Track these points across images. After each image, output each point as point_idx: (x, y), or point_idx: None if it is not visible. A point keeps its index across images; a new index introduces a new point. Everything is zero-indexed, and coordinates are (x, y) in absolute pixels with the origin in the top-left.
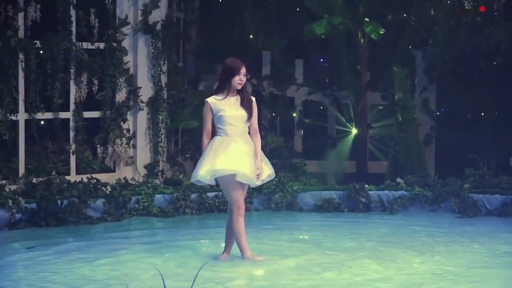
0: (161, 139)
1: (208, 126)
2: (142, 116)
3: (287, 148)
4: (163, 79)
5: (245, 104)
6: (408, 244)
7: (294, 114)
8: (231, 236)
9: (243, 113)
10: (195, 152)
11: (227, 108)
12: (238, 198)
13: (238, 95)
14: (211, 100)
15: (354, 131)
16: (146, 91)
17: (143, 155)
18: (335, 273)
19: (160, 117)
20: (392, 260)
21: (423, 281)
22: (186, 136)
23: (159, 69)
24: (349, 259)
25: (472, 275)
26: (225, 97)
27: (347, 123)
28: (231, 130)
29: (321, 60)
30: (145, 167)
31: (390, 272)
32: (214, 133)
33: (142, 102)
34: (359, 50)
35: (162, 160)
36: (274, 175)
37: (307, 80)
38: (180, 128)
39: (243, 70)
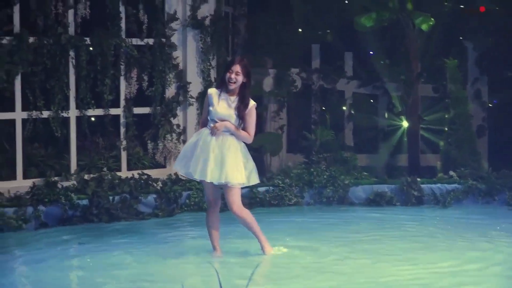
0: None
1: (204, 115)
2: (192, 112)
3: (337, 142)
4: (212, 74)
5: (239, 107)
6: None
7: (344, 107)
8: (255, 232)
9: (232, 114)
10: (246, 146)
11: (220, 104)
12: (208, 193)
13: (237, 96)
14: (211, 91)
15: (405, 124)
16: (195, 86)
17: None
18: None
19: None
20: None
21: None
22: None
23: (208, 64)
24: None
25: None
26: (223, 92)
27: (398, 116)
28: None
29: (371, 52)
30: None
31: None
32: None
33: (191, 97)
34: (409, 42)
35: None
36: (250, 183)
37: (357, 73)
38: None
39: (235, 68)
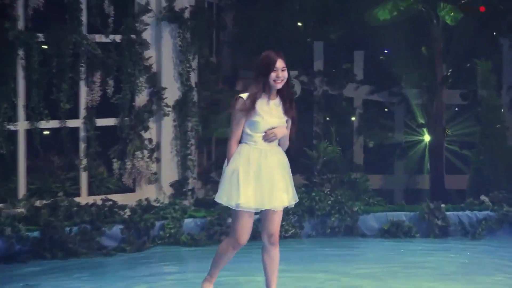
0: (191, 151)
1: (239, 131)
2: (168, 123)
3: (345, 160)
4: (193, 77)
5: (289, 111)
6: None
7: (353, 118)
8: (274, 271)
9: (283, 122)
10: None
11: (265, 113)
12: (244, 229)
13: (278, 97)
14: (245, 97)
15: (428, 137)
16: (172, 93)
17: (169, 171)
18: None
19: (190, 124)
20: None
21: None
22: (222, 147)
23: (187, 65)
24: None
25: None
26: (262, 98)
27: (418, 128)
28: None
29: (386, 51)
30: (172, 185)
31: None
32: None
33: (167, 106)
34: (432, 39)
35: (192, 176)
36: (292, 202)
37: (369, 76)
38: (214, 137)
39: (280, 64)
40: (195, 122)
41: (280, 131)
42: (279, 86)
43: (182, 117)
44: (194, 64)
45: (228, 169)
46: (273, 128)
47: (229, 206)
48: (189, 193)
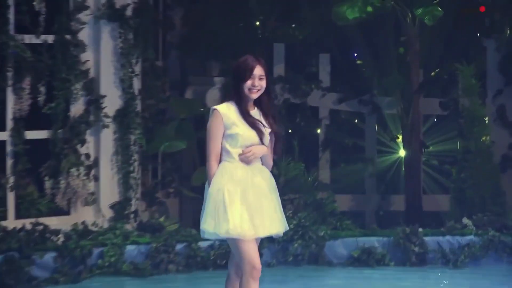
0: (134, 167)
1: (217, 146)
2: (107, 136)
3: (309, 178)
4: (136, 84)
5: (272, 125)
6: None
7: (319, 130)
8: None
9: (266, 133)
10: (182, 184)
11: (243, 124)
12: (251, 254)
13: (257, 108)
14: (222, 109)
15: (403, 152)
16: (112, 101)
17: (109, 191)
18: None
19: (132, 137)
20: None
21: None
22: (169, 163)
23: (130, 70)
24: None
25: None
26: (237, 108)
27: (392, 141)
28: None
29: (355, 54)
30: (112, 207)
31: None
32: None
33: (106, 116)
34: (407, 40)
35: (135, 197)
36: (283, 230)
37: (336, 82)
38: (161, 152)
39: (258, 71)
40: (139, 135)
41: (260, 150)
42: (254, 96)
43: (123, 129)
44: (138, 68)
45: (212, 189)
46: (252, 145)
47: (218, 234)
48: (132, 216)
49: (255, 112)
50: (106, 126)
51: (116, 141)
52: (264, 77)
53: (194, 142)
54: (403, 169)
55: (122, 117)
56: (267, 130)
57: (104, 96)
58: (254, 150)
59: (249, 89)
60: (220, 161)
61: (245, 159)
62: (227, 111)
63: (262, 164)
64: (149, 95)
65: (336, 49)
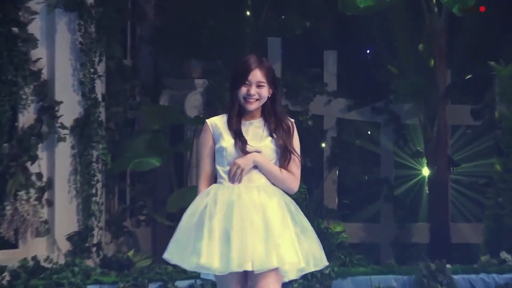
0: (97, 190)
1: (206, 165)
2: (64, 152)
3: (312, 203)
4: (100, 87)
5: (280, 133)
6: None
7: (323, 144)
8: None
9: (268, 145)
10: (156, 211)
11: (229, 136)
12: None
13: (262, 118)
14: (212, 120)
15: (426, 171)
16: (70, 109)
17: (66, 219)
18: None
19: (95, 153)
20: None
21: None
22: (140, 185)
23: (92, 70)
24: None
25: None
26: (235, 119)
27: (414, 158)
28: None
29: (368, 52)
30: (70, 238)
31: None
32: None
33: (63, 127)
34: (432, 35)
35: (98, 226)
36: (311, 268)
37: (345, 85)
38: (129, 171)
39: (255, 76)
40: (103, 150)
41: (247, 160)
42: (251, 107)
43: (84, 142)
44: (101, 68)
45: (186, 213)
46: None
47: (183, 267)
48: (94, 249)
49: (258, 122)
50: (63, 140)
51: (74, 157)
52: (264, 83)
53: (170, 158)
54: (427, 191)
55: (82, 128)
56: (266, 142)
57: (60, 103)
58: (239, 161)
59: (244, 98)
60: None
61: (233, 176)
62: (217, 122)
63: (273, 184)
64: (115, 101)
65: (344, 45)
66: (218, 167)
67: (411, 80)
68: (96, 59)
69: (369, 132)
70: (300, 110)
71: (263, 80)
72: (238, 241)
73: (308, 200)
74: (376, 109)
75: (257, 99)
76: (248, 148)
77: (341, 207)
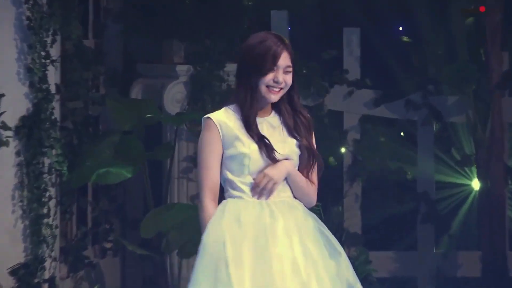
0: (49, 209)
1: (213, 175)
2: (7, 160)
3: (330, 225)
4: (53, 76)
5: (301, 132)
6: None
7: (343, 149)
8: None
9: (293, 149)
10: (126, 236)
11: (248, 139)
12: None
13: (276, 113)
14: (218, 118)
15: (477, 184)
16: (15, 104)
17: (8, 247)
18: None
19: (46, 161)
20: None
21: None
22: (105, 203)
23: (43, 54)
24: None
25: None
26: (253, 116)
27: (460, 166)
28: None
29: (400, 29)
30: (14, 272)
31: None
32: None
33: (5, 127)
34: (483, 13)
35: (50, 256)
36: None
37: (370, 73)
38: (91, 185)
39: (285, 60)
40: (57, 158)
41: (278, 171)
42: (275, 97)
43: (32, 147)
44: (55, 51)
45: (207, 239)
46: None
47: None
48: (46, 286)
49: (272, 118)
50: (5, 144)
51: (20, 167)
52: (291, 69)
53: (145, 168)
54: (478, 210)
55: (31, 128)
56: (291, 145)
57: (1, 95)
58: (268, 172)
59: (269, 87)
60: (223, 197)
61: (262, 191)
62: (226, 120)
63: (295, 197)
64: (73, 93)
65: (369, 21)
66: (233, 177)
67: (456, 66)
68: (49, 40)
69: (402, 134)
70: (313, 104)
71: (291, 64)
72: (279, 274)
73: (325, 221)
74: (411, 103)
75: (281, 88)
76: (277, 155)
77: (366, 230)
